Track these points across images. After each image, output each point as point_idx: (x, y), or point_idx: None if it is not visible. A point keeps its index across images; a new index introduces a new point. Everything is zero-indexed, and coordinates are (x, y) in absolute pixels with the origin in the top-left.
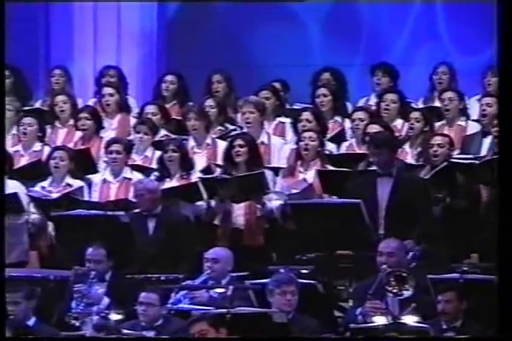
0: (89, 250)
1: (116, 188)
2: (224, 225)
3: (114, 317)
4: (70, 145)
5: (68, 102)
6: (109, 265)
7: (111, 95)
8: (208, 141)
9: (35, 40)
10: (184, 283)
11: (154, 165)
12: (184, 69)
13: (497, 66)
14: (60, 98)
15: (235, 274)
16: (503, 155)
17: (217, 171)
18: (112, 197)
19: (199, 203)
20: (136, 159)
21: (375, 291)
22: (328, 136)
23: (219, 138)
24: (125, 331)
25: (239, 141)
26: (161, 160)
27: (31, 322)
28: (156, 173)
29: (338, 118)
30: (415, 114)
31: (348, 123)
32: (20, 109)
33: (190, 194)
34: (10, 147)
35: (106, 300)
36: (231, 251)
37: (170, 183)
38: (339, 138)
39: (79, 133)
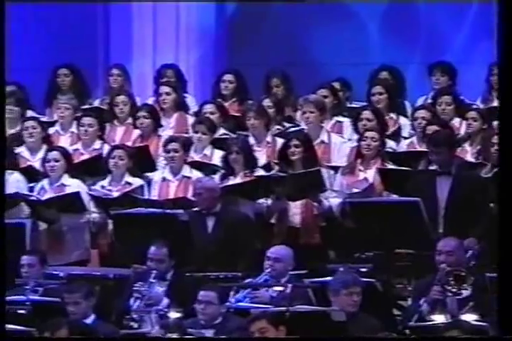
0: (152, 249)
1: (176, 187)
2: (280, 223)
3: (174, 315)
4: (128, 143)
5: (128, 103)
6: (170, 264)
7: (168, 94)
8: (268, 138)
9: (95, 39)
10: (244, 282)
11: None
12: (243, 67)
13: (497, 66)
14: (120, 99)
15: (293, 272)
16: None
17: (275, 169)
18: (172, 196)
19: (257, 201)
20: (195, 158)
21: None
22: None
23: (277, 135)
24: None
25: (294, 141)
26: (225, 159)
27: (90, 319)
28: (221, 171)
29: (393, 115)
30: (472, 113)
31: (403, 121)
32: (78, 107)
33: (247, 191)
34: (69, 145)
35: (166, 301)
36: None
37: (233, 181)
38: (396, 136)
39: (137, 132)
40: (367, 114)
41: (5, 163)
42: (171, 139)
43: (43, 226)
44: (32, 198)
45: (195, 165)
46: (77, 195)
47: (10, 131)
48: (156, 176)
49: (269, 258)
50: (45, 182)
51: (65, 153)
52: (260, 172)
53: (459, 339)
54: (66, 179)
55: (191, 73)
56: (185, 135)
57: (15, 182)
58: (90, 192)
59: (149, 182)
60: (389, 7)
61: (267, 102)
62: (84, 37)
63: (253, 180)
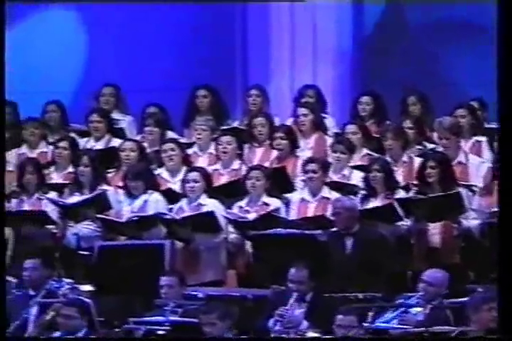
0: (292, 271)
1: (314, 208)
2: (420, 244)
3: (311, 335)
4: (266, 164)
5: (266, 125)
6: (310, 286)
7: (305, 115)
8: (405, 158)
9: (233, 60)
10: (384, 303)
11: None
12: (380, 87)
13: (497, 67)
14: (258, 121)
15: None
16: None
17: (413, 190)
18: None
19: (396, 223)
20: (334, 178)
21: None
22: None
23: (418, 156)
24: None
25: (431, 163)
26: (366, 179)
27: None
28: (362, 192)
29: None
30: None
31: None
32: (216, 129)
33: (387, 214)
34: (207, 165)
35: (305, 323)
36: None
37: (374, 203)
38: None
39: (275, 152)
40: None
41: (4, 164)
42: (309, 160)
43: (179, 246)
44: (168, 217)
45: (334, 185)
46: (211, 214)
47: (149, 150)
48: (294, 197)
49: (423, 280)
50: (183, 202)
51: (205, 174)
52: (401, 193)
53: (459, 340)
54: (204, 199)
55: (329, 93)
56: (324, 156)
57: (154, 202)
58: (226, 215)
59: (287, 203)
60: None
61: (405, 123)
62: (222, 57)
63: (393, 203)
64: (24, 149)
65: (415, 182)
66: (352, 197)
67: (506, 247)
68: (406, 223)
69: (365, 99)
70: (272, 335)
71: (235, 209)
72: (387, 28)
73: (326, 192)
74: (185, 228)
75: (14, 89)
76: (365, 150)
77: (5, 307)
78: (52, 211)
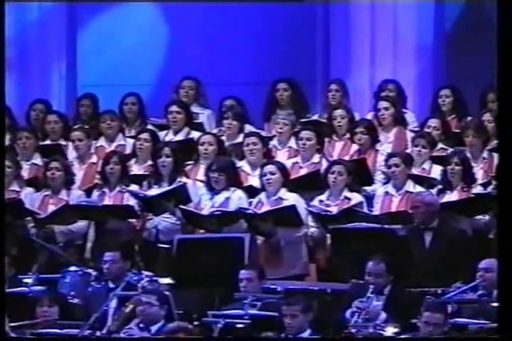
0: (370, 264)
1: (398, 202)
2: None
3: (391, 330)
4: (346, 158)
5: (346, 117)
6: (388, 279)
7: (386, 109)
8: (485, 154)
9: (314, 56)
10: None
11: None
12: (462, 82)
13: (497, 67)
14: (338, 112)
15: None
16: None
17: (493, 185)
18: (394, 211)
19: (476, 217)
20: (414, 171)
21: None
22: None
23: (495, 151)
24: None
25: None
26: (443, 173)
27: (306, 334)
28: (439, 186)
29: None
30: None
31: None
32: (296, 123)
33: (467, 208)
34: (286, 159)
35: (383, 315)
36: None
37: (450, 196)
38: None
39: (355, 147)
40: None
41: (4, 164)
42: (391, 154)
43: (260, 240)
44: (249, 211)
45: (414, 178)
46: (293, 208)
47: (227, 143)
48: (378, 190)
49: (480, 269)
50: (262, 195)
51: (281, 167)
52: (478, 188)
53: (459, 339)
54: (284, 193)
55: (410, 89)
56: (404, 150)
57: (237, 199)
58: (309, 208)
59: (370, 197)
60: None
61: (486, 117)
62: (303, 53)
63: (472, 198)
64: (102, 142)
65: (495, 175)
66: (432, 191)
67: (506, 247)
68: (485, 218)
69: (444, 91)
70: (350, 328)
71: (316, 203)
72: (469, 25)
73: (410, 186)
74: (266, 222)
75: (96, 83)
76: (440, 145)
77: (4, 306)
78: (134, 204)
